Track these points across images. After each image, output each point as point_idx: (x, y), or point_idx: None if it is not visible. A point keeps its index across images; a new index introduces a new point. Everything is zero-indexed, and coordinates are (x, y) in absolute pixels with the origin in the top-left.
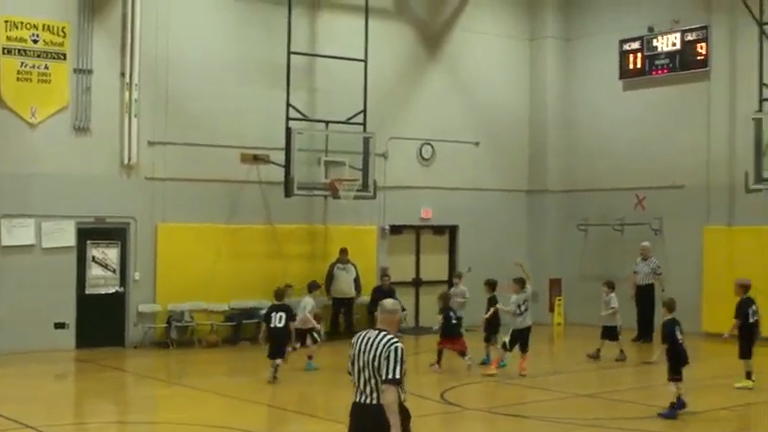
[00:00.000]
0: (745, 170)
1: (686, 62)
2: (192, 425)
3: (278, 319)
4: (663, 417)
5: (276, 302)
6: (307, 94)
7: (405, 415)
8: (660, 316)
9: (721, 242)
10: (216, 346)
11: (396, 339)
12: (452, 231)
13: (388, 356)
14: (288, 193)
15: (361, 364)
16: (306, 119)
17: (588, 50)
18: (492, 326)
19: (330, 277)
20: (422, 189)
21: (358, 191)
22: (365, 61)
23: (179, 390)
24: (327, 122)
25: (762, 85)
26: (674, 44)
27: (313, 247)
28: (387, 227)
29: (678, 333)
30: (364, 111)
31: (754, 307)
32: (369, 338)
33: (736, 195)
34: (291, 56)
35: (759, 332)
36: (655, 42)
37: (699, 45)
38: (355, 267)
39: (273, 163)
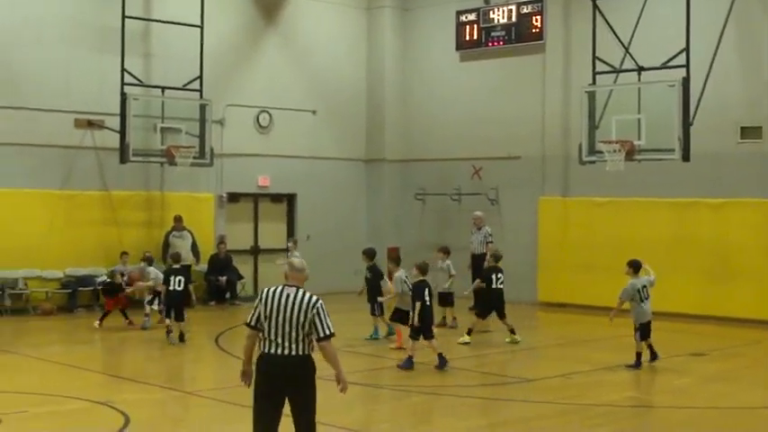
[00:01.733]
0: (579, 142)
1: (522, 35)
2: (23, 393)
3: (177, 283)
4: (400, 368)
5: (174, 266)
6: (142, 60)
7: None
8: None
9: (556, 212)
10: (51, 313)
11: (317, 296)
12: (290, 199)
13: (319, 314)
14: (123, 159)
15: (281, 318)
16: (141, 84)
17: (426, 21)
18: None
19: (166, 245)
20: (259, 157)
21: (195, 158)
22: (201, 27)
23: (10, 358)
24: (163, 88)
25: (595, 58)
26: (509, 17)
27: (150, 215)
28: (224, 195)
29: (427, 295)
30: (200, 77)
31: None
32: (288, 295)
33: (570, 166)
34: (126, 20)
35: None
36: (491, 14)
37: (534, 18)
38: (192, 234)
39: (108, 128)
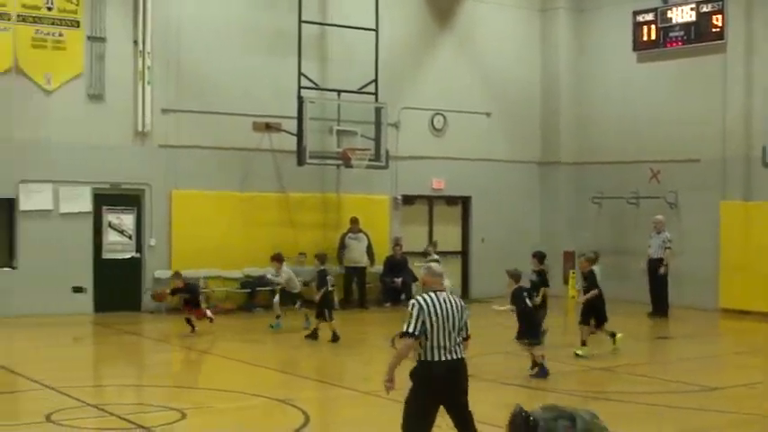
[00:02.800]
0: (762, 144)
1: (701, 34)
2: (205, 389)
3: (331, 284)
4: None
5: (323, 267)
6: (318, 63)
7: None
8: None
9: (738, 217)
10: (230, 312)
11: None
12: (465, 202)
13: (467, 316)
14: (300, 161)
15: (450, 324)
16: (318, 88)
17: (601, 22)
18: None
19: (342, 246)
20: (434, 159)
21: (370, 160)
22: (376, 30)
23: (193, 355)
24: (339, 92)
25: None
26: (689, 16)
27: (325, 216)
28: (399, 197)
29: (527, 300)
30: (376, 80)
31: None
32: (449, 301)
33: (752, 169)
34: (302, 24)
35: None
36: (669, 14)
37: (714, 17)
38: (367, 236)
39: (286, 131)
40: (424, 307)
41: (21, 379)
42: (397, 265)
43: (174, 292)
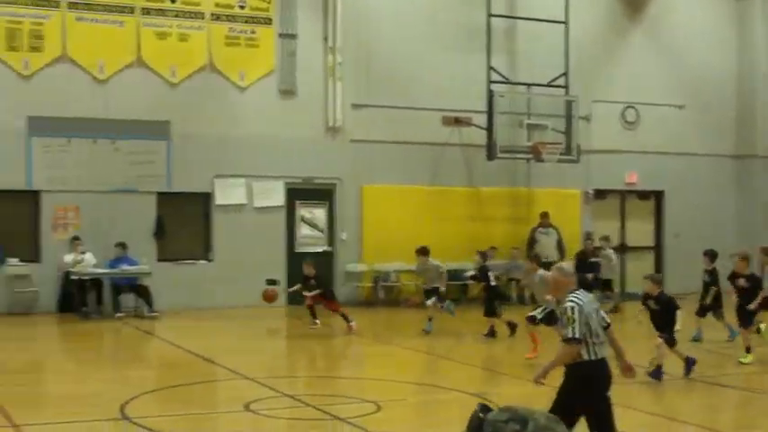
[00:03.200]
0: None
1: None
2: (399, 382)
3: (494, 279)
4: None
5: (484, 264)
6: (507, 57)
7: None
8: None
9: None
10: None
11: None
12: (658, 196)
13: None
14: (490, 156)
15: (596, 323)
16: (507, 82)
17: None
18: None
19: (532, 241)
20: (626, 153)
21: (561, 154)
22: (566, 23)
23: (386, 348)
24: (529, 85)
25: None
26: None
27: (516, 211)
28: (591, 191)
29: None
30: (566, 73)
31: None
32: (593, 300)
33: None
34: (491, 18)
35: None
36: None
37: None
38: (557, 231)
39: (475, 125)
40: (585, 311)
41: (219, 369)
42: (588, 260)
43: (306, 280)
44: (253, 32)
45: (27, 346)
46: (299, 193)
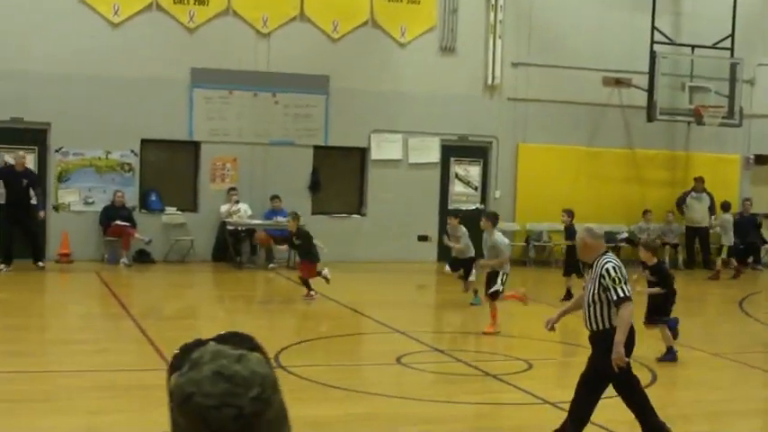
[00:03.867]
0: None
1: None
2: (549, 341)
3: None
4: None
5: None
6: (672, 18)
7: None
8: None
9: None
10: None
11: None
12: None
13: None
14: (650, 117)
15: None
16: (671, 43)
17: None
18: None
19: (681, 203)
20: None
21: (723, 118)
22: None
23: (536, 307)
24: (693, 47)
25: None
26: None
27: (673, 174)
28: (751, 156)
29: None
30: (732, 35)
31: None
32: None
33: None
34: None
35: None
36: None
37: None
38: (711, 197)
39: (636, 87)
40: (621, 267)
41: (370, 322)
42: (744, 225)
43: (290, 239)
44: None
45: (182, 293)
46: (455, 151)
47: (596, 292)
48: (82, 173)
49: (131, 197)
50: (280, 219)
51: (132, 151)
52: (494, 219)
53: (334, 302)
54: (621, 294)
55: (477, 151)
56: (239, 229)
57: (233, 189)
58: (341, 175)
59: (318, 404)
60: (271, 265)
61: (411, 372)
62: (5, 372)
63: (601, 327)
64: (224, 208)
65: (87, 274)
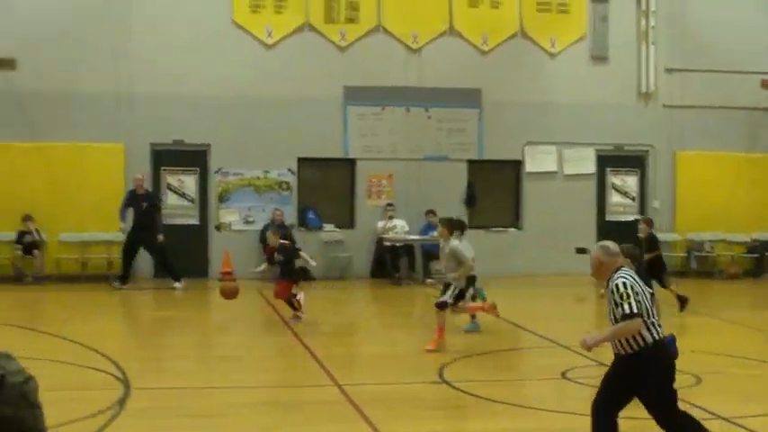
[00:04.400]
0: None
1: None
2: (716, 354)
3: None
4: None
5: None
6: None
7: None
8: None
9: None
10: (736, 277)
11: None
12: None
13: None
14: None
15: (649, 302)
16: None
17: None
18: None
19: None
20: None
21: None
22: None
23: (700, 319)
24: None
25: None
26: None
27: None
28: None
29: None
30: None
31: None
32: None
33: None
34: None
35: None
36: None
37: None
38: None
39: None
40: (638, 290)
41: (530, 336)
42: None
43: (270, 255)
44: None
45: (341, 310)
46: (610, 161)
47: (612, 310)
48: (241, 192)
49: (290, 215)
50: (436, 233)
51: (289, 170)
52: (450, 225)
53: (495, 317)
54: (628, 311)
55: (634, 160)
56: (396, 244)
57: (389, 205)
58: (496, 188)
59: (482, 420)
60: (429, 280)
61: (576, 386)
62: (174, 388)
63: (629, 350)
64: (380, 224)
65: (249, 291)
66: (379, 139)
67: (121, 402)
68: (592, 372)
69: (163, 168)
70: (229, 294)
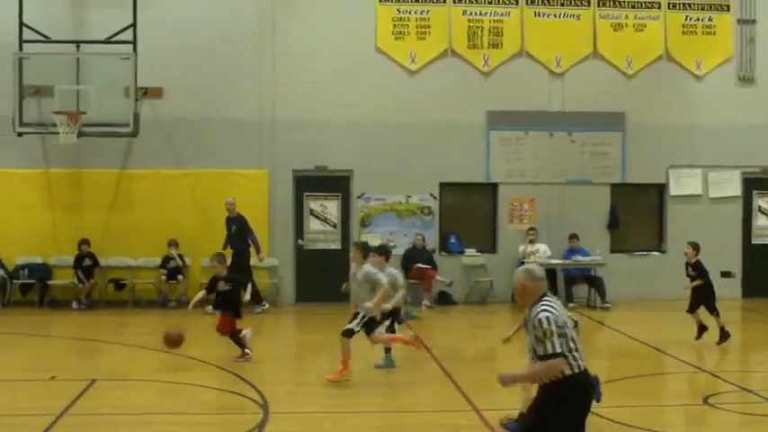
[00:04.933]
0: None
1: None
2: None
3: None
4: None
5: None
6: None
7: None
8: None
9: None
10: None
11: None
12: None
13: None
14: None
15: (571, 331)
16: None
17: None
18: None
19: None
20: None
21: None
22: None
23: None
24: None
25: None
26: None
27: None
28: None
29: None
30: None
31: None
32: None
33: None
34: None
35: None
36: None
37: None
38: None
39: None
40: (562, 322)
41: (672, 360)
42: None
43: (213, 283)
44: (710, 20)
45: (483, 334)
46: (757, 183)
47: (532, 341)
48: (383, 218)
49: (431, 240)
50: (579, 257)
51: (431, 195)
52: (364, 249)
53: (637, 341)
54: (551, 350)
55: None
56: None
57: (531, 229)
58: (639, 211)
59: None
60: (570, 305)
61: (719, 412)
62: (312, 412)
63: (546, 379)
64: (522, 248)
65: None
66: (522, 164)
67: (260, 427)
68: (735, 397)
69: (305, 194)
70: (172, 342)
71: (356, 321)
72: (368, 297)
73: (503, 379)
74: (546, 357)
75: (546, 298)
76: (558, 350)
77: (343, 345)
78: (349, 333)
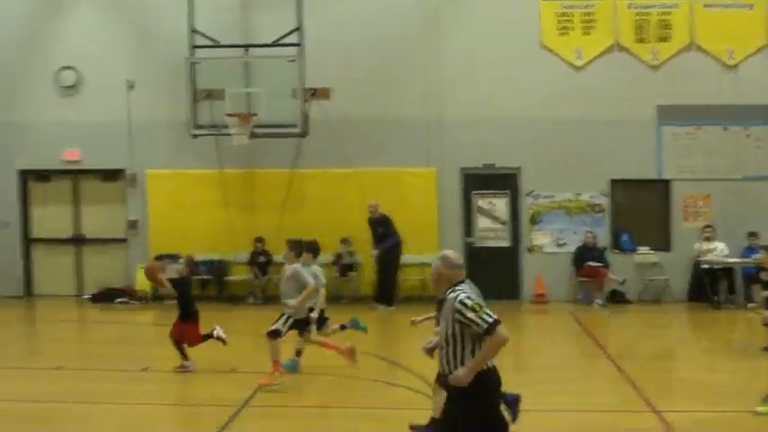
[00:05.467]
0: None
1: None
2: None
3: None
4: None
5: None
6: None
7: None
8: None
9: None
10: None
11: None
12: None
13: None
14: None
15: None
16: None
17: None
18: None
19: None
20: None
21: None
22: None
23: None
24: None
25: None
26: None
27: None
28: None
29: None
30: None
31: None
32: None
33: None
34: None
35: None
36: None
37: None
38: None
39: None
40: (476, 296)
41: None
42: None
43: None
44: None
45: (658, 334)
46: None
47: (452, 330)
48: (553, 215)
49: (602, 237)
50: (758, 256)
51: (601, 192)
52: (297, 247)
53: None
54: (490, 320)
55: None
56: (715, 267)
57: (708, 227)
58: None
59: None
60: (750, 305)
61: None
62: None
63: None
64: (697, 246)
65: (562, 314)
66: (695, 160)
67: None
68: None
69: (474, 192)
70: (149, 272)
71: (281, 321)
72: (293, 295)
73: (457, 378)
74: (488, 331)
75: (462, 285)
76: (495, 316)
77: (270, 346)
78: (274, 334)
